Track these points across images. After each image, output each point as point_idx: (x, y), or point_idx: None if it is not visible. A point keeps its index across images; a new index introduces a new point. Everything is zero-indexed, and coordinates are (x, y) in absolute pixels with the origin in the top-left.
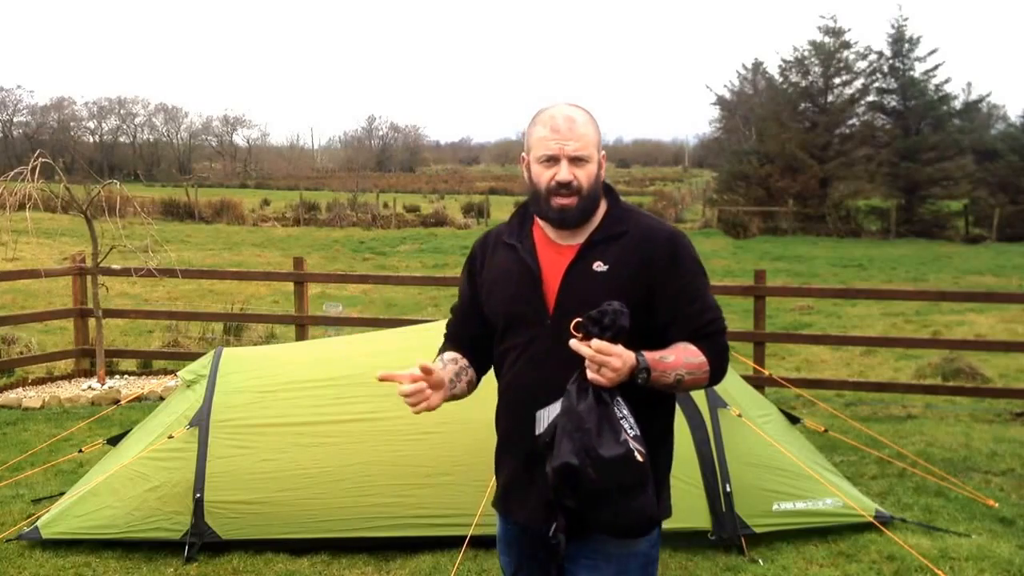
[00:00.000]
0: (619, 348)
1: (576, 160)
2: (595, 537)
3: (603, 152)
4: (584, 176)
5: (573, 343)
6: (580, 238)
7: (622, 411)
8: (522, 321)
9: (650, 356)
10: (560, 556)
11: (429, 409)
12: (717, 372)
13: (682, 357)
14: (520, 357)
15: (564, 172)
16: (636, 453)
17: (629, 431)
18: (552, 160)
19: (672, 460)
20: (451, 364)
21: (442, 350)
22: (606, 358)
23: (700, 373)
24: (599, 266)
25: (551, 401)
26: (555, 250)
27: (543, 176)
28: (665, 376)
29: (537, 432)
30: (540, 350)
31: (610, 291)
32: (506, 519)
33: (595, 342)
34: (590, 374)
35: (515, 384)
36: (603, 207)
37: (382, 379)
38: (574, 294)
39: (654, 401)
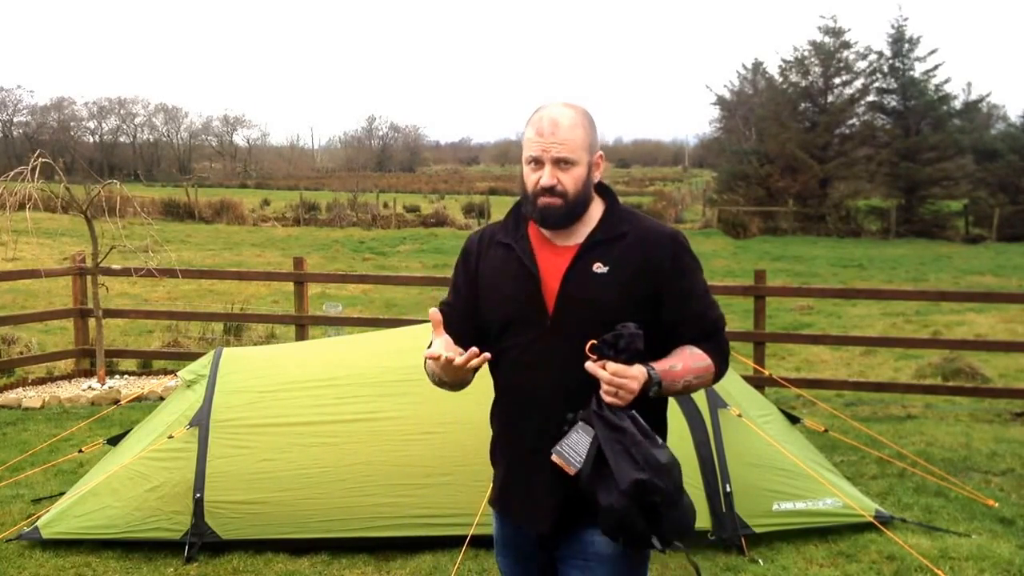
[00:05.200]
0: (634, 369)
1: (560, 163)
2: (586, 538)
3: (599, 153)
4: (569, 179)
5: (589, 365)
6: (578, 239)
7: (640, 421)
8: (521, 322)
9: (660, 368)
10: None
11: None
12: (721, 370)
13: (689, 363)
14: (519, 358)
15: (546, 176)
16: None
17: (657, 438)
18: (537, 163)
19: None
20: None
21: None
22: (623, 381)
23: (707, 376)
24: (599, 267)
25: (551, 402)
26: (552, 251)
27: (530, 179)
28: (674, 385)
29: (573, 470)
30: (539, 351)
31: (611, 292)
32: (503, 519)
33: (611, 366)
34: (607, 397)
35: (514, 385)
36: (600, 208)
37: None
38: (574, 296)
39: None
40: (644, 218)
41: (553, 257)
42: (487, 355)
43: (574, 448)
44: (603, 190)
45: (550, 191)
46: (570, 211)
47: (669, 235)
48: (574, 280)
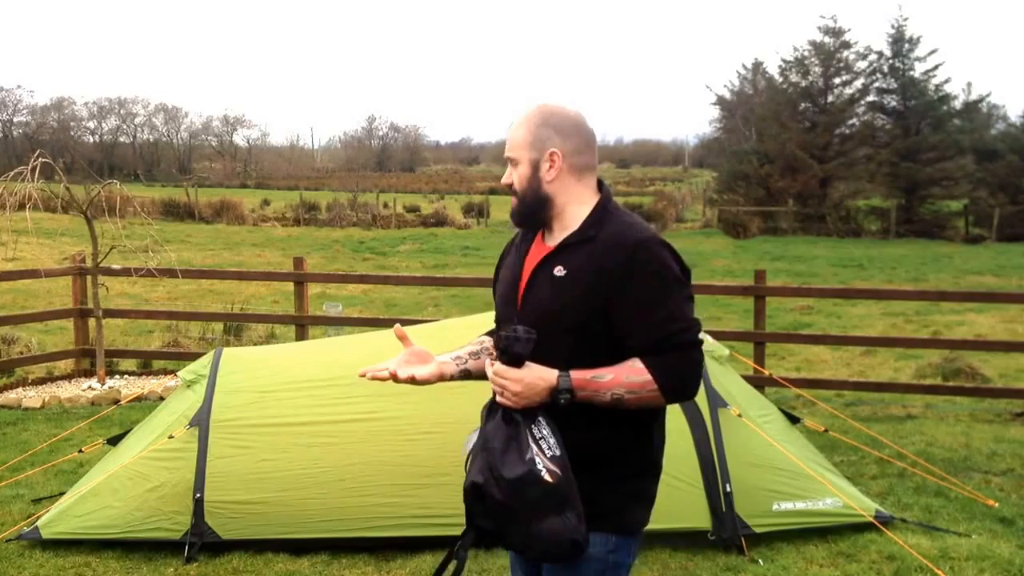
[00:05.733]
0: (519, 372)
1: (511, 162)
2: None
3: (551, 150)
4: (517, 178)
5: (486, 362)
6: (559, 240)
7: (541, 431)
8: (504, 319)
9: (578, 376)
10: (460, 572)
11: (415, 381)
12: (671, 389)
13: (621, 376)
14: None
15: (505, 175)
16: (544, 473)
17: (545, 451)
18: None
19: (652, 471)
20: (473, 345)
21: (487, 333)
22: (503, 382)
23: (645, 392)
24: (559, 271)
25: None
26: (541, 251)
27: None
28: (599, 395)
29: (463, 454)
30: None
31: (564, 297)
32: None
33: (494, 366)
34: (498, 396)
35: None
36: (588, 209)
37: (362, 375)
38: (533, 298)
39: (614, 417)
40: (621, 222)
41: (537, 258)
42: (399, 329)
43: (474, 435)
44: (601, 189)
45: (510, 189)
46: (523, 209)
47: (632, 241)
48: (536, 282)
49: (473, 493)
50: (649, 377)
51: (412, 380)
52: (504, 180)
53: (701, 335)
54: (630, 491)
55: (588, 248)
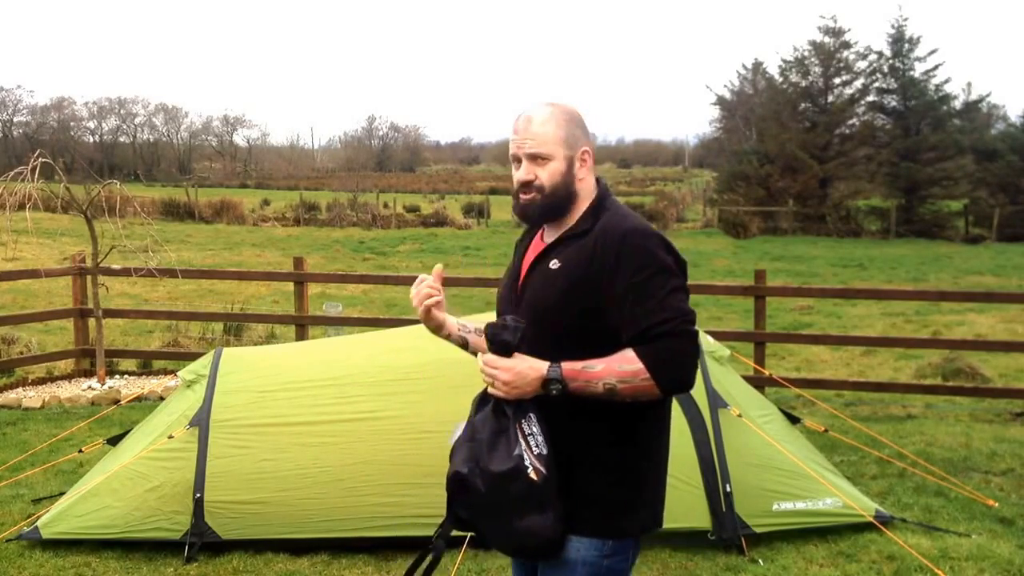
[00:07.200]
0: (509, 361)
1: (535, 158)
2: (568, 543)
3: (584, 148)
4: (546, 174)
5: (478, 355)
6: (559, 235)
7: (531, 428)
8: (504, 314)
9: (569, 366)
10: (435, 563)
11: (430, 315)
12: (666, 379)
13: (613, 366)
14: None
15: (522, 172)
16: (530, 470)
17: (533, 448)
18: (516, 160)
19: (654, 472)
20: (479, 323)
21: None
22: (493, 371)
23: (638, 381)
24: (554, 264)
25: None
26: (537, 247)
27: (514, 176)
28: (591, 386)
29: (450, 442)
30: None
31: (557, 289)
32: None
33: (482, 356)
34: (489, 387)
35: None
36: (586, 204)
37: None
38: (529, 291)
39: (607, 410)
40: (615, 215)
41: (534, 253)
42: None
43: (461, 424)
44: (598, 186)
45: (527, 186)
46: (549, 205)
47: (623, 232)
48: (533, 276)
49: (456, 483)
50: (641, 366)
51: (429, 313)
52: (523, 176)
53: (696, 328)
54: (624, 493)
55: (582, 241)
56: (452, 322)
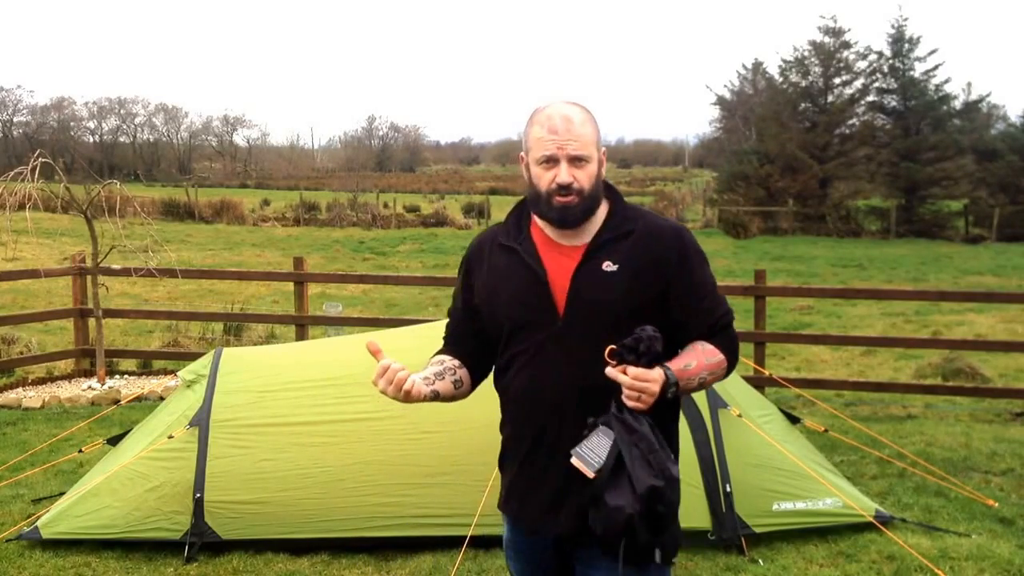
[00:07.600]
0: (654, 372)
1: (575, 160)
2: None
3: (603, 149)
4: (584, 176)
5: (609, 371)
6: (584, 238)
7: (656, 431)
8: (530, 326)
9: (676, 368)
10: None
11: (407, 395)
12: (733, 364)
13: (702, 360)
14: (530, 362)
15: (564, 174)
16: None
17: (669, 451)
18: (551, 161)
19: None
20: (434, 366)
21: (437, 353)
22: (645, 384)
23: (720, 371)
24: (608, 266)
25: (565, 403)
26: (559, 251)
27: (543, 178)
28: (690, 383)
29: (591, 472)
30: (551, 353)
31: (621, 291)
32: (515, 525)
33: (632, 370)
34: (629, 402)
35: (526, 389)
36: (605, 206)
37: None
38: (585, 296)
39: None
40: (648, 214)
41: (560, 258)
42: (372, 343)
43: (594, 450)
44: (607, 188)
45: (567, 189)
46: (586, 208)
47: (674, 230)
48: (584, 280)
49: (650, 499)
50: (722, 357)
51: (409, 395)
52: (563, 179)
53: None
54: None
55: (630, 242)
56: (420, 386)
